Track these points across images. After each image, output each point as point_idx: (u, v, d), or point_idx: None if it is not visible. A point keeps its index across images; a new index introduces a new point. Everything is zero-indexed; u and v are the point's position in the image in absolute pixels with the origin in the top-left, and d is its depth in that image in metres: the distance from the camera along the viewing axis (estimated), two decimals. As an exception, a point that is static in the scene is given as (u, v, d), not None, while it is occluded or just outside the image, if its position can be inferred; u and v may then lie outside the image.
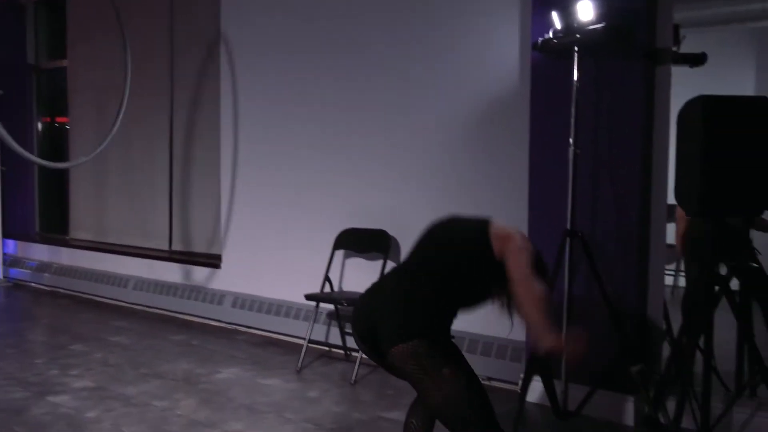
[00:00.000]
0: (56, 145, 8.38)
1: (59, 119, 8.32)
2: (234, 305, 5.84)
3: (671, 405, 3.57)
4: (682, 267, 6.37)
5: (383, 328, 2.31)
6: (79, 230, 7.84)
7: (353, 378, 4.43)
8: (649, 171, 3.75)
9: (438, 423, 2.45)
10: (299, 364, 4.71)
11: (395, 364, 2.29)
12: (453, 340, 2.44)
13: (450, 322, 2.43)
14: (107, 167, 7.28)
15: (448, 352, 2.33)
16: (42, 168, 8.13)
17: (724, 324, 4.34)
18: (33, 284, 7.79)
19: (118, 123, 5.72)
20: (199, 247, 6.51)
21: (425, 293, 2.36)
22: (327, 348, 5.20)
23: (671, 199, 3.60)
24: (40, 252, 7.93)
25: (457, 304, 2.44)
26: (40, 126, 8.44)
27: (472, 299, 2.49)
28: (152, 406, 3.96)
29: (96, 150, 5.89)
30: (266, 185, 5.71)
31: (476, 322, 4.46)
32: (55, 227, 8.25)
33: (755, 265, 3.63)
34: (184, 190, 6.69)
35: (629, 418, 3.70)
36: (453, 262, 2.41)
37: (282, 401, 4.06)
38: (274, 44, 5.58)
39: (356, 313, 2.49)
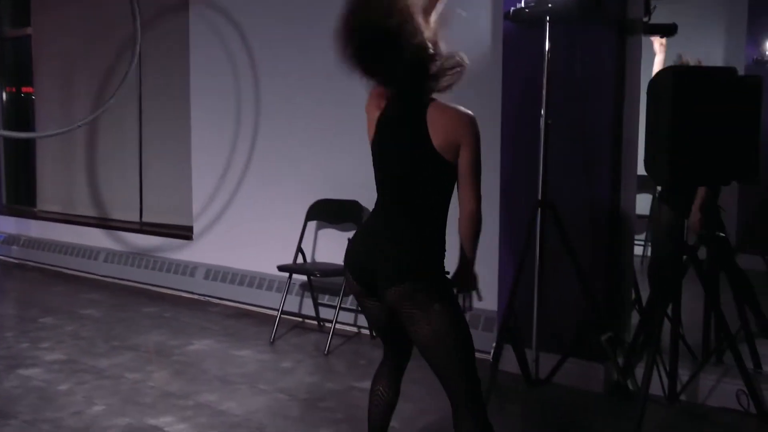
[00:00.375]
0: (22, 115, 8.21)
1: (25, 89, 8.16)
2: (206, 277, 5.81)
3: (639, 372, 3.65)
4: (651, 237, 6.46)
5: (379, 272, 2.27)
6: (46, 202, 7.72)
7: (326, 349, 4.45)
8: (619, 142, 3.78)
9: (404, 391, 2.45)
10: (272, 336, 4.72)
11: (393, 305, 2.25)
12: (448, 276, 2.38)
13: (442, 254, 2.38)
14: (75, 138, 7.15)
15: (442, 289, 2.30)
16: (7, 139, 7.99)
17: (692, 293, 4.42)
18: (1, 257, 7.68)
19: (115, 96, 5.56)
20: (170, 218, 6.45)
21: (412, 231, 2.32)
22: (300, 319, 5.21)
23: (642, 170, 3.64)
24: (7, 224, 7.81)
25: (442, 228, 2.39)
26: (4, 96, 8.27)
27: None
28: (125, 378, 3.95)
29: (67, 127, 5.80)
30: (238, 156, 5.66)
31: (449, 293, 4.50)
32: (21, 199, 8.13)
33: (722, 234, 3.69)
34: (154, 161, 6.61)
35: (599, 385, 3.76)
36: (423, 192, 2.34)
37: (255, 372, 4.07)
38: (243, 13, 5.50)
39: (352, 258, 2.41)
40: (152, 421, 3.34)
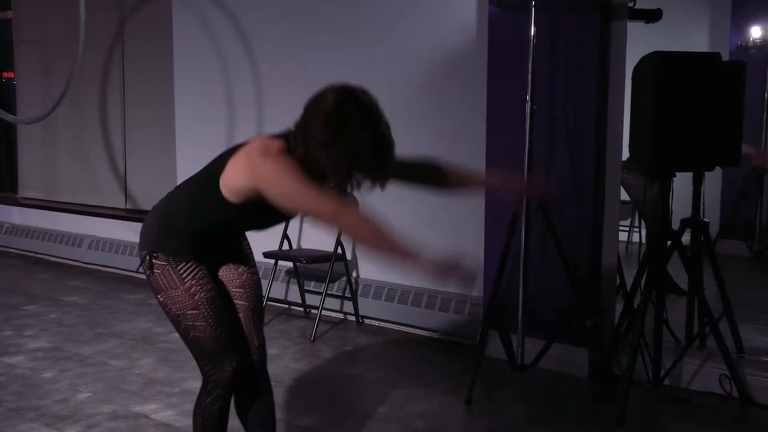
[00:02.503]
0: (2, 100, 8.12)
1: (6, 74, 8.06)
2: (191, 264, 5.78)
3: (623, 357, 3.67)
4: (636, 223, 6.49)
5: None
6: (28, 189, 7.66)
7: (312, 335, 4.45)
8: (604, 127, 3.78)
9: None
10: (258, 322, 4.71)
11: None
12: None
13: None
14: (57, 123, 7.09)
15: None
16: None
17: (677, 277, 4.45)
18: (-17, 244, 7.62)
19: (71, 82, 5.54)
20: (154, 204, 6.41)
21: None
22: (286, 305, 5.20)
23: (627, 155, 3.65)
24: (-10, 211, 7.75)
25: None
26: (-15, 81, 8.19)
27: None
28: (109, 365, 3.94)
29: (48, 111, 5.74)
30: (223, 143, 5.63)
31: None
32: (3, 186, 8.05)
33: (705, 220, 3.71)
34: (138, 148, 6.57)
35: (583, 370, 3.79)
36: None
37: (241, 359, 4.06)
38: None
39: None
40: (138, 408, 3.33)
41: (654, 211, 3.63)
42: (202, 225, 2.19)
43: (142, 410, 3.31)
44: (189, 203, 2.21)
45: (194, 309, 2.16)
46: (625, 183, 4.56)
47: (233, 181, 2.08)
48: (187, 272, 2.16)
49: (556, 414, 3.36)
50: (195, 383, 3.63)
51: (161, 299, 2.20)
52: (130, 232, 6.32)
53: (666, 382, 3.51)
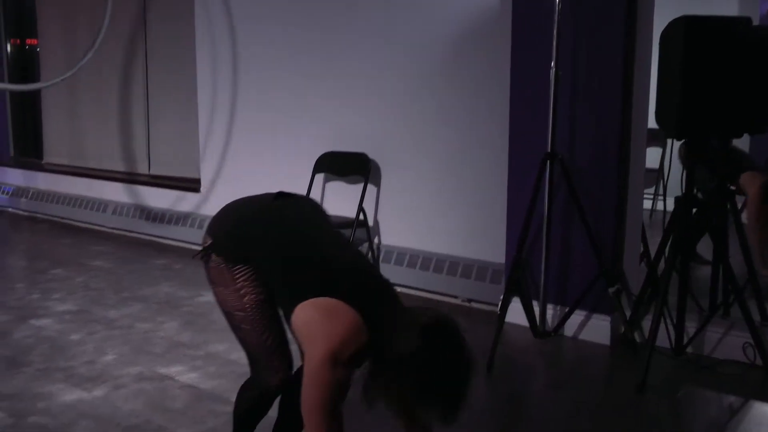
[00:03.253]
0: (27, 67, 8.16)
1: (29, 41, 8.09)
2: (214, 229, 5.82)
3: (646, 325, 3.67)
4: (661, 191, 6.43)
5: None
6: (54, 154, 7.72)
7: (334, 300, 4.48)
8: (629, 93, 3.73)
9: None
10: (281, 287, 4.75)
11: None
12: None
13: None
14: (80, 89, 7.13)
15: None
16: (6, 91, 7.96)
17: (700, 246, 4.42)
18: (10, 209, 7.72)
19: (96, 46, 5.56)
20: (178, 170, 6.45)
21: None
22: (308, 271, 5.23)
23: (652, 123, 3.61)
24: (16, 177, 7.83)
25: None
26: (9, 48, 8.20)
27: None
28: (135, 328, 4.00)
29: (66, 74, 5.77)
30: (245, 108, 5.63)
31: (456, 245, 4.52)
32: (29, 151, 8.12)
33: (732, 187, 3.67)
34: (161, 113, 6.58)
35: (605, 338, 3.79)
36: None
37: (264, 323, 4.11)
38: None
39: None
40: (163, 370, 3.39)
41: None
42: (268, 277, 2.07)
43: (167, 372, 3.37)
44: (266, 255, 2.05)
45: (241, 311, 2.07)
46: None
47: (298, 319, 1.92)
48: (240, 274, 2.05)
49: (577, 381, 3.37)
50: (219, 346, 3.69)
51: (213, 290, 2.14)
52: (153, 198, 6.38)
53: (689, 350, 3.50)
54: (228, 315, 2.13)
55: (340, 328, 1.80)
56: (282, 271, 1.99)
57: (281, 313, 2.06)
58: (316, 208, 2.30)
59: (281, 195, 2.22)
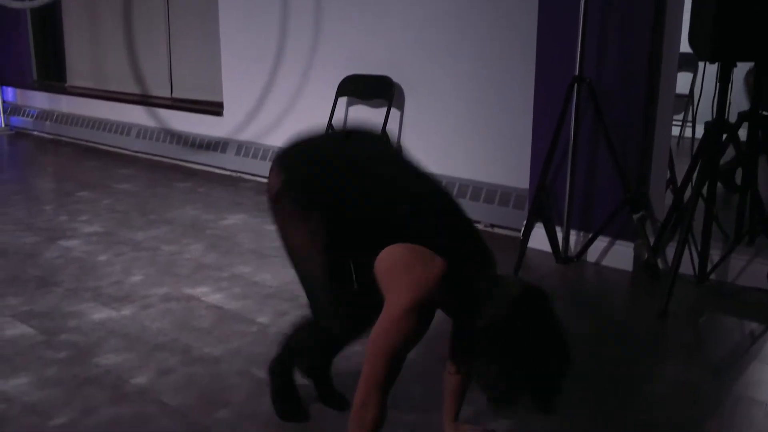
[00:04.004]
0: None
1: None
2: (237, 153, 5.84)
3: (670, 253, 3.65)
4: (690, 117, 6.32)
5: None
6: (76, 77, 7.71)
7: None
8: (661, 15, 3.62)
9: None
10: (304, 211, 4.78)
11: None
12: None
13: None
14: (101, 11, 7.06)
15: None
16: (34, 13, 7.89)
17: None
18: (35, 132, 7.76)
19: None
20: (200, 94, 6.42)
21: None
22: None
23: (684, 47, 3.51)
24: (40, 100, 7.85)
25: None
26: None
27: None
28: (161, 250, 4.05)
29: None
30: (267, 31, 5.55)
31: (480, 169, 4.49)
32: (52, 74, 8.11)
33: (765, 113, 3.58)
34: (182, 35, 6.52)
35: (628, 264, 3.78)
36: None
37: (288, 246, 4.14)
38: None
39: None
40: (189, 291, 3.45)
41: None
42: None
43: (193, 293, 3.42)
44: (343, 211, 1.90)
45: (308, 256, 1.95)
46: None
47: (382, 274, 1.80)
48: (312, 218, 1.92)
49: (598, 306, 3.39)
50: (243, 268, 3.74)
51: (279, 230, 2.04)
52: (176, 122, 6.37)
53: (712, 277, 3.49)
54: (294, 257, 2.02)
55: (427, 277, 1.71)
56: (363, 216, 1.86)
57: (351, 261, 1.94)
58: (389, 145, 2.21)
59: (352, 133, 2.11)
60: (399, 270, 1.74)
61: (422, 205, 1.85)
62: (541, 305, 1.73)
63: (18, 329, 2.99)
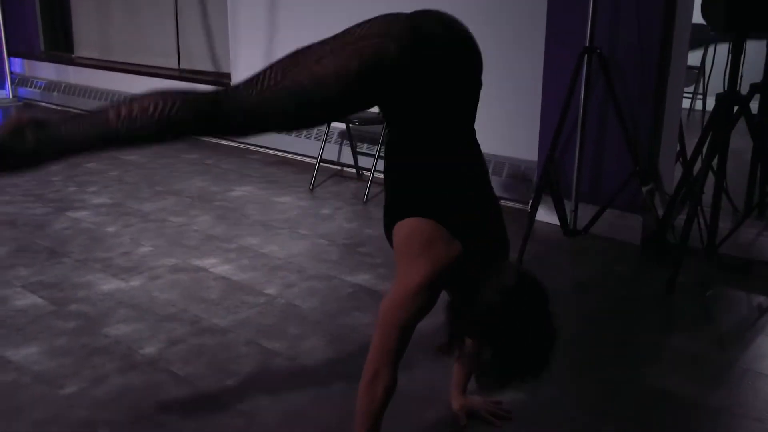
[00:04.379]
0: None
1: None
2: (245, 125, 5.82)
3: (679, 225, 3.63)
4: (701, 90, 6.26)
5: None
6: (84, 48, 7.68)
7: (365, 197, 4.50)
8: (675, -15, 3.57)
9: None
10: (311, 183, 4.77)
11: None
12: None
13: None
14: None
15: None
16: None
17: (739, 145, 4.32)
18: (43, 103, 7.76)
19: None
20: (207, 65, 6.39)
21: None
22: (339, 167, 5.24)
23: (696, 18, 3.46)
24: (47, 71, 7.83)
25: None
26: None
27: None
28: (169, 221, 4.06)
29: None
30: (276, 1, 5.50)
31: (488, 142, 4.46)
32: (59, 45, 8.09)
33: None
34: (190, 6, 6.47)
35: (637, 237, 3.77)
36: None
37: (296, 218, 4.15)
38: None
39: None
40: (197, 262, 3.46)
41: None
42: None
43: (201, 264, 3.44)
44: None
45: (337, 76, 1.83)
46: None
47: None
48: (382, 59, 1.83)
49: (606, 279, 3.38)
50: (251, 240, 3.75)
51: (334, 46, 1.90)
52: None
53: (721, 250, 3.47)
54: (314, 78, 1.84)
55: (447, 254, 1.73)
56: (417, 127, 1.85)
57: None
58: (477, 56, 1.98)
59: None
60: (420, 243, 1.74)
61: (462, 181, 1.85)
62: (536, 295, 1.76)
63: (28, 299, 3.01)
